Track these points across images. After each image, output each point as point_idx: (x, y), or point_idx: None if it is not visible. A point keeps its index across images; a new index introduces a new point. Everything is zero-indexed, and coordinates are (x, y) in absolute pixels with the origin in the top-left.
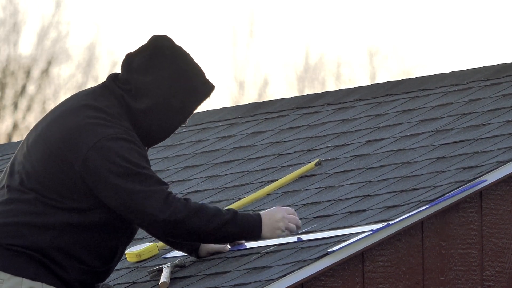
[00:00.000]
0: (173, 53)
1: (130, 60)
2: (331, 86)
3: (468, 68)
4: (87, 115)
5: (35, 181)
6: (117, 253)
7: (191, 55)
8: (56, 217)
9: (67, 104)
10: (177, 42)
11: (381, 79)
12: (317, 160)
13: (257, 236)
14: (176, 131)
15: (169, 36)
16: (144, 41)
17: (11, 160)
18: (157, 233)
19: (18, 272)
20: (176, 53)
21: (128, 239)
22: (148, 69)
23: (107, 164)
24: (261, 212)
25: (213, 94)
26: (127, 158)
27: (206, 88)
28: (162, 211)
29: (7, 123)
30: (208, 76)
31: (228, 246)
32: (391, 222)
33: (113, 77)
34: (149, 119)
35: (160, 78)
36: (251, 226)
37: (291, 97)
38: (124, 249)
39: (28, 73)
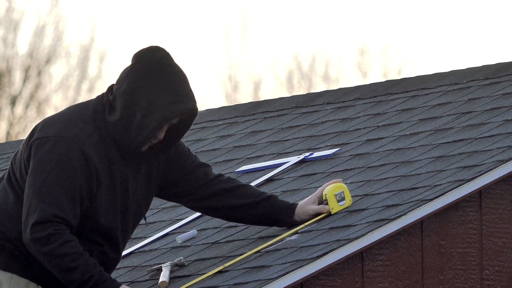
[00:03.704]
0: (147, 67)
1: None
2: (321, 85)
3: (468, 67)
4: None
5: (13, 172)
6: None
7: (180, 73)
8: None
9: None
10: (170, 50)
11: (372, 78)
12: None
13: None
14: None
15: (162, 47)
16: (140, 42)
17: None
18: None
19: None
20: (151, 67)
21: (102, 255)
22: (122, 81)
23: (35, 166)
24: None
25: (206, 96)
26: (52, 171)
27: (174, 108)
28: (33, 232)
29: (5, 122)
30: (190, 97)
31: (327, 207)
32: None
33: (109, 88)
34: (115, 131)
35: (128, 91)
36: None
37: (291, 96)
38: (104, 259)
39: (26, 72)
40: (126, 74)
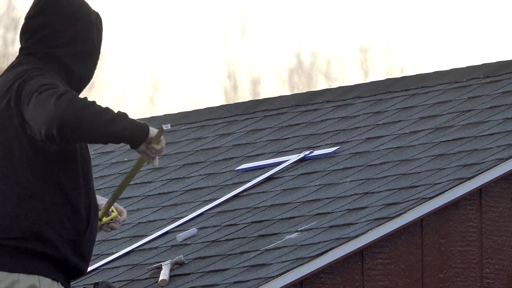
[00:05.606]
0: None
1: (27, 23)
2: (323, 83)
3: (468, 65)
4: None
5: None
6: (81, 214)
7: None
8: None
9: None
10: (169, 48)
11: (374, 76)
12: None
13: (145, 136)
14: (175, 128)
15: None
16: (140, 40)
17: None
18: (52, 131)
19: (14, 268)
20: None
21: (86, 198)
22: (61, 36)
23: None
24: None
25: (209, 90)
26: (42, 81)
27: (98, 18)
28: (56, 105)
29: None
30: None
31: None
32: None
33: (22, 47)
34: (70, 60)
35: (59, 21)
36: (140, 125)
37: (290, 95)
38: (88, 213)
39: None
40: (45, 18)
